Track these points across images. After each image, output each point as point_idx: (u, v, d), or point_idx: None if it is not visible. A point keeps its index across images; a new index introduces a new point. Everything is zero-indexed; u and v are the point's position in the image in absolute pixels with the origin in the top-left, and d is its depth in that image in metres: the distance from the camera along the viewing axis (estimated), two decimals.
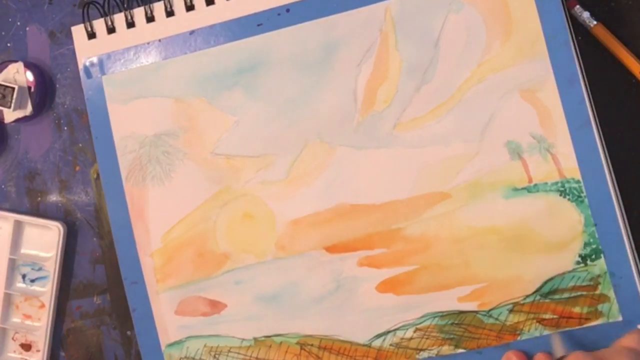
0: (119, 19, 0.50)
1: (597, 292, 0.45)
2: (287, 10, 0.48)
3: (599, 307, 0.45)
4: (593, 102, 0.45)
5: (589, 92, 0.45)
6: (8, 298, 0.52)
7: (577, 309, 0.45)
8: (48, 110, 0.52)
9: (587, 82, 0.45)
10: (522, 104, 0.46)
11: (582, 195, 0.45)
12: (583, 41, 0.47)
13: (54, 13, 0.52)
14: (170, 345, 0.49)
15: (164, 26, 0.49)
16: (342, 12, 0.47)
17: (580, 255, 0.45)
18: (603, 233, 0.45)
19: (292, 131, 0.48)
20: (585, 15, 0.47)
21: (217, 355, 0.49)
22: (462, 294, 0.46)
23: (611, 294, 0.45)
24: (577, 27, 0.47)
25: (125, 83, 0.49)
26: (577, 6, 0.47)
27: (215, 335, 0.49)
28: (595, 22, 0.47)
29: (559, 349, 0.44)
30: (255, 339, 0.48)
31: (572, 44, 0.45)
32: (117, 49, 0.50)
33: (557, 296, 0.45)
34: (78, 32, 0.50)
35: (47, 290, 0.51)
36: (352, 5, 0.47)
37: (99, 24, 0.50)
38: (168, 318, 0.49)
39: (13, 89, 0.50)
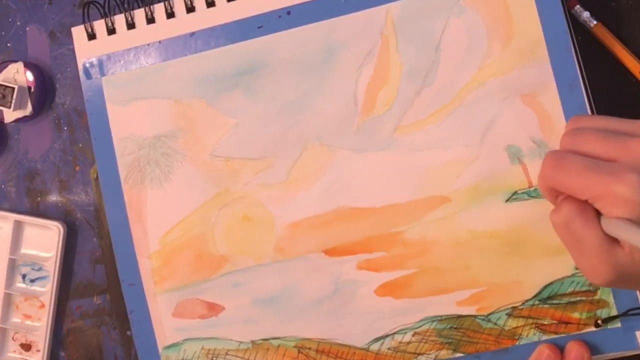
0: (119, 20, 0.49)
1: (597, 297, 0.45)
2: (288, 13, 0.48)
3: (598, 312, 0.45)
4: (593, 102, 0.45)
5: (590, 97, 0.45)
6: (8, 298, 0.51)
7: (575, 314, 0.45)
8: (48, 110, 0.52)
9: (588, 87, 0.45)
10: (522, 108, 0.46)
11: None
12: (583, 41, 0.47)
13: (54, 13, 0.52)
14: (168, 347, 0.49)
15: (164, 27, 0.49)
16: (343, 15, 0.47)
17: None
18: None
19: (291, 134, 0.48)
20: (585, 15, 0.47)
21: (214, 358, 0.48)
22: (461, 298, 0.46)
23: (610, 299, 0.45)
24: (577, 27, 0.47)
25: (125, 84, 0.49)
26: (577, 6, 0.47)
27: (213, 338, 0.49)
28: (595, 22, 0.47)
29: None
30: (252, 342, 0.48)
31: (573, 49, 0.45)
32: (117, 50, 0.49)
33: (556, 301, 0.45)
34: (78, 32, 0.50)
35: (47, 290, 0.51)
36: (353, 8, 0.47)
37: (99, 25, 0.50)
38: (165, 320, 0.49)
39: (13, 89, 0.50)
